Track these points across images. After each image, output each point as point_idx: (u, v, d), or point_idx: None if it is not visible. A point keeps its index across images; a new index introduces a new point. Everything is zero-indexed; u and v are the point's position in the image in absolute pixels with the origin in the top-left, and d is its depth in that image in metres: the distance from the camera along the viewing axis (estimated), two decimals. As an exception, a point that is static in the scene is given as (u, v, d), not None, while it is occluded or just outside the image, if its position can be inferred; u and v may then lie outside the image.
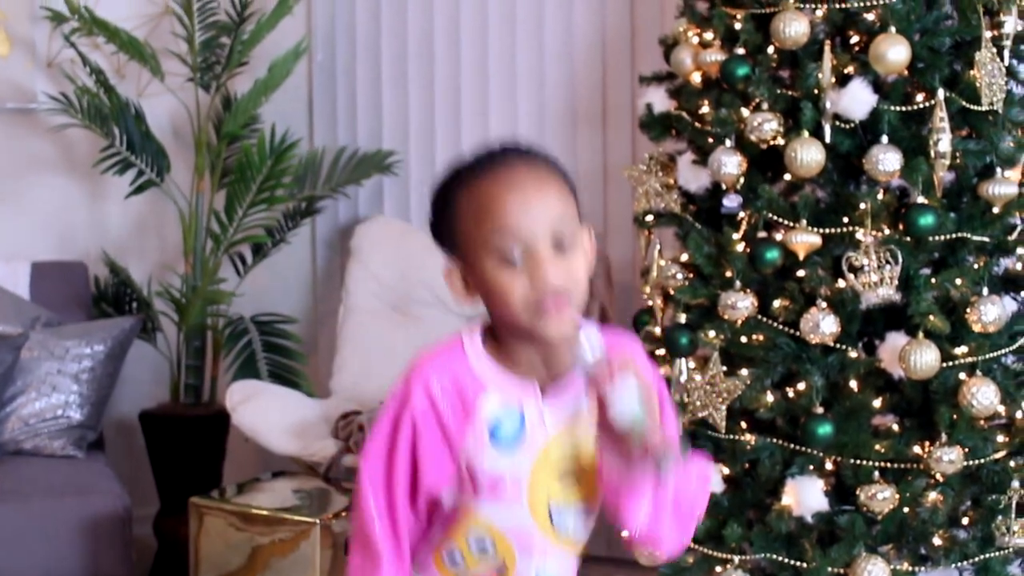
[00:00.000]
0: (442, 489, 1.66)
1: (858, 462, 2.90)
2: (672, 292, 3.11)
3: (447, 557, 1.69)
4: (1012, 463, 2.91)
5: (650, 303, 3.20)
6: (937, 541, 2.92)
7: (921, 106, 2.91)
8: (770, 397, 2.97)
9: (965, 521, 2.98)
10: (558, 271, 1.57)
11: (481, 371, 1.64)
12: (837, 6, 2.95)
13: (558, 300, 1.57)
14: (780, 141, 2.97)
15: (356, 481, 1.70)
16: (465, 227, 1.60)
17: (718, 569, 3.03)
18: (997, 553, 2.92)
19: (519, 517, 1.64)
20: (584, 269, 1.62)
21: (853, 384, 2.93)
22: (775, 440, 2.97)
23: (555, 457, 1.65)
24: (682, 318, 3.09)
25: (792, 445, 2.94)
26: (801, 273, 2.94)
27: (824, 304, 2.90)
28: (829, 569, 2.89)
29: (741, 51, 3.03)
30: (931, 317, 2.84)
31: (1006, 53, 2.91)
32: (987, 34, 2.88)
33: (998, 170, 2.92)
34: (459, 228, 1.61)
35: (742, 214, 3.03)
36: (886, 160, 2.86)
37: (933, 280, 2.89)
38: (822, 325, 2.88)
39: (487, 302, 1.62)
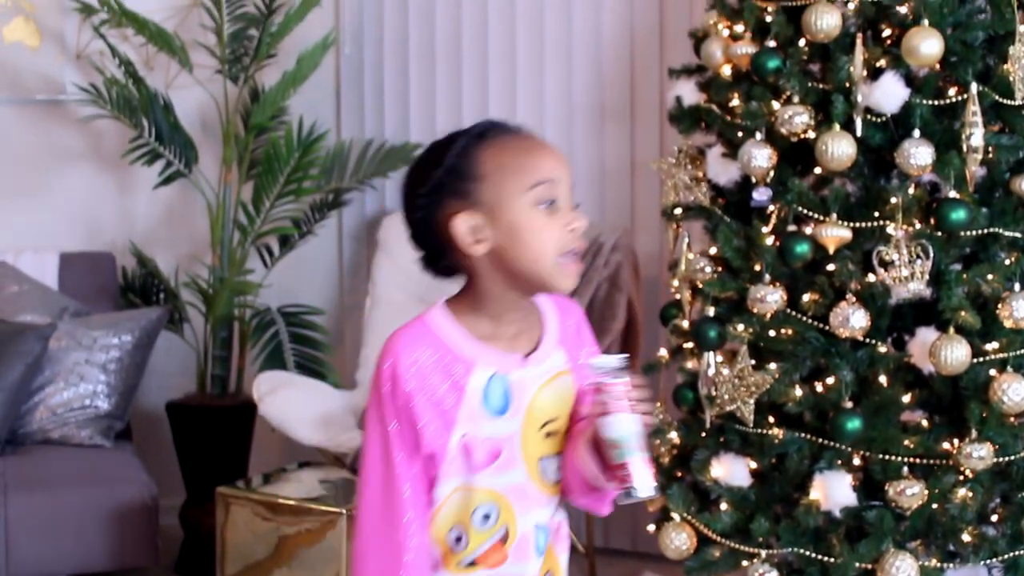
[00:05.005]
0: (439, 464, 1.69)
1: (887, 457, 2.89)
2: (700, 285, 3.10)
3: (452, 542, 1.73)
4: (1043, 460, 2.89)
5: (678, 296, 3.20)
6: (966, 538, 2.90)
7: (953, 100, 2.89)
8: (799, 391, 2.95)
9: (994, 518, 2.96)
10: (582, 223, 1.71)
11: (461, 348, 1.70)
12: (869, -1, 2.94)
13: (578, 254, 1.70)
14: (811, 134, 2.95)
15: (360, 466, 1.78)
16: (499, 179, 1.68)
17: (745, 563, 3.01)
18: (1026, 550, 2.90)
19: (517, 476, 1.72)
20: None
21: (882, 379, 2.91)
22: (803, 434, 2.95)
23: (538, 413, 1.73)
24: (711, 311, 3.08)
25: (820, 440, 2.93)
26: (831, 267, 2.93)
27: (854, 298, 2.89)
28: (857, 565, 2.88)
29: (772, 44, 3.02)
30: (962, 312, 2.82)
31: (1040, 47, 2.88)
32: (1021, 28, 2.84)
33: (1030, 165, 2.90)
34: (489, 180, 1.68)
35: (772, 207, 3.02)
36: (918, 154, 2.85)
37: (964, 275, 2.87)
38: (852, 319, 2.86)
39: (506, 250, 1.67)
